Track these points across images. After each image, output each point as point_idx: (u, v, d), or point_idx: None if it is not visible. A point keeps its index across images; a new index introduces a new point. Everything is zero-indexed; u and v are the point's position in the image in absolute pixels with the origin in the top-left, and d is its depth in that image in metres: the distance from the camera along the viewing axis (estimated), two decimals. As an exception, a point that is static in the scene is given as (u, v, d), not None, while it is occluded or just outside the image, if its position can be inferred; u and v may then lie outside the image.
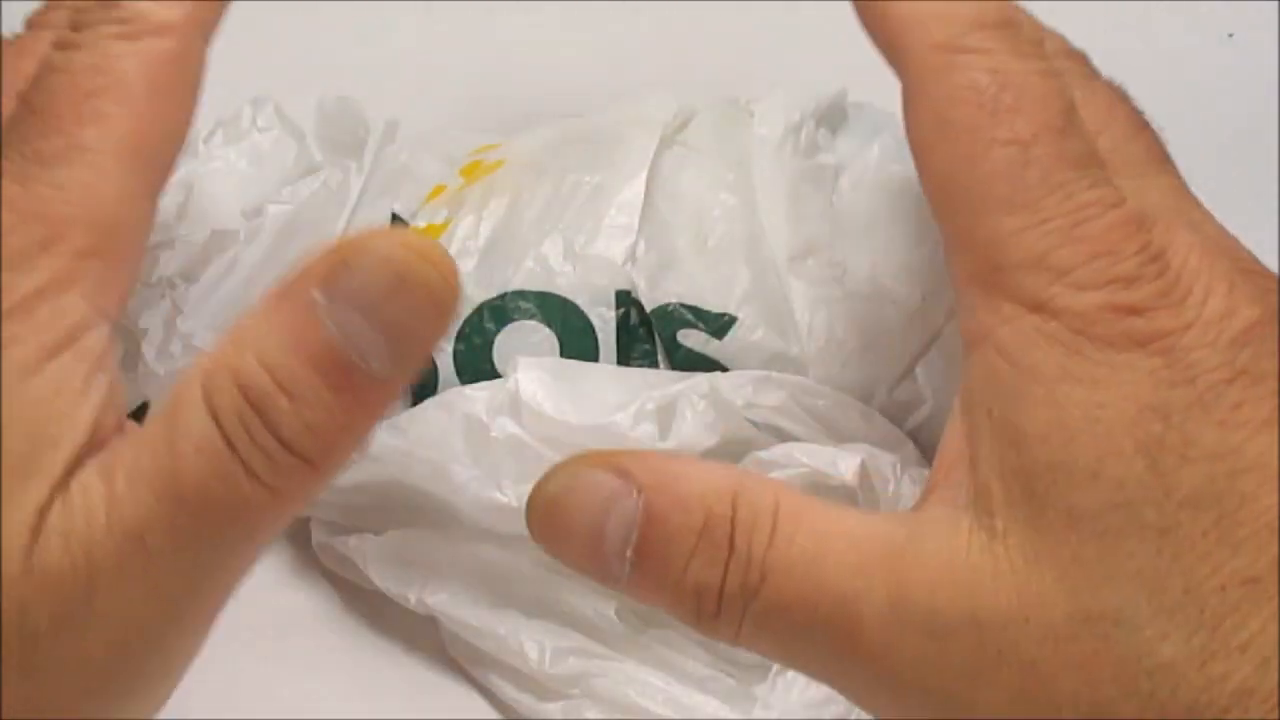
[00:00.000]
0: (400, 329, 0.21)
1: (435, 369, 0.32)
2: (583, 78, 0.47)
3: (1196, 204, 0.26)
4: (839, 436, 0.29)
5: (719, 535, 0.23)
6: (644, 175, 0.33)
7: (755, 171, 0.33)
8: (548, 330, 0.31)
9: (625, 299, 0.32)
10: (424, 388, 0.32)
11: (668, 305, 0.31)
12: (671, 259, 0.32)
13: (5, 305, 0.22)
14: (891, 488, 0.28)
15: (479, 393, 0.29)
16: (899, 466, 0.29)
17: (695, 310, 0.31)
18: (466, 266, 0.32)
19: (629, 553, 0.24)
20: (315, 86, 0.38)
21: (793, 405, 0.29)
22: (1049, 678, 0.21)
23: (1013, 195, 0.23)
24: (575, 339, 0.31)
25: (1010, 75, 0.23)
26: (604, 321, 0.31)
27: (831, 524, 0.23)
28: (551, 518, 0.25)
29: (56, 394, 0.21)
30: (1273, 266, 0.39)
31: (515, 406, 0.29)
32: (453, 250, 0.32)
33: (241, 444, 0.21)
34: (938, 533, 0.22)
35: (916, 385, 0.32)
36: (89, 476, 0.21)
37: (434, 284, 0.21)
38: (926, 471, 0.27)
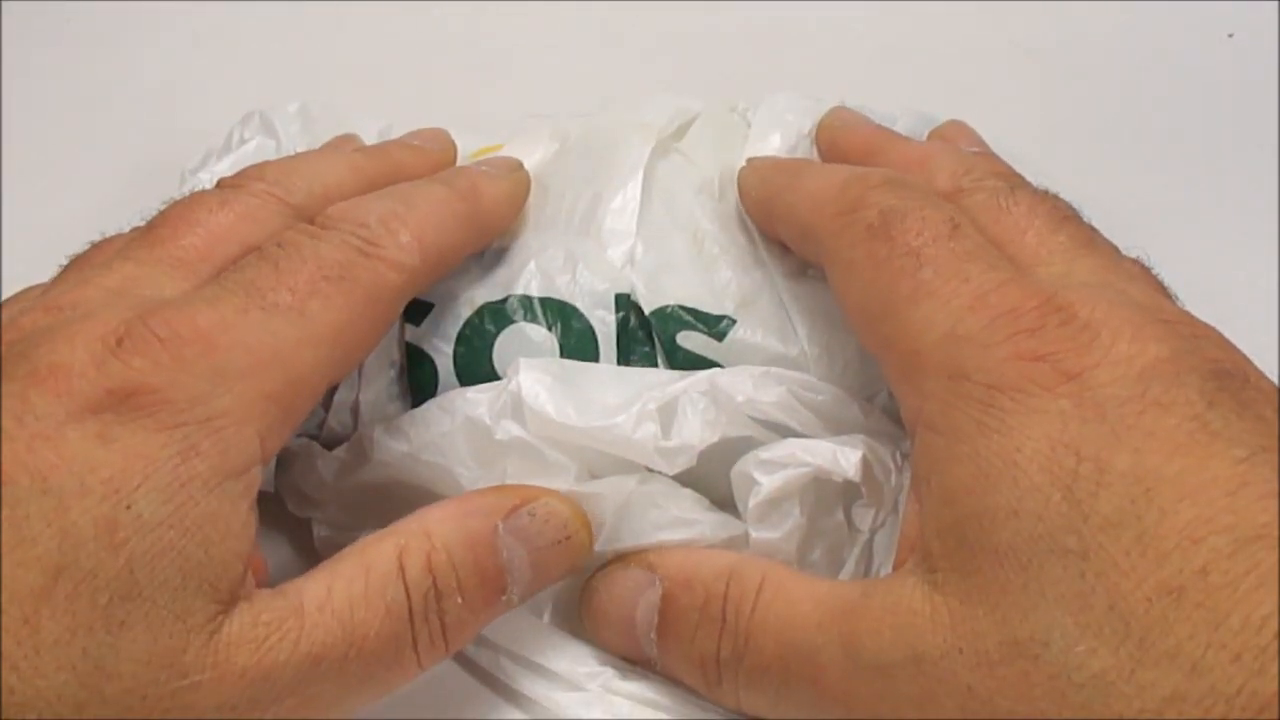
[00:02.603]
0: (545, 571, 0.27)
1: (435, 370, 0.32)
2: (582, 78, 0.47)
3: (1127, 276, 0.27)
4: (839, 432, 0.29)
5: (714, 610, 0.26)
6: (639, 179, 0.33)
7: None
8: (548, 333, 0.31)
9: (624, 302, 0.31)
10: (423, 389, 0.32)
11: (666, 307, 0.31)
12: (670, 262, 0.32)
13: (201, 415, 0.23)
14: (894, 479, 0.29)
15: (481, 395, 0.29)
16: (900, 456, 0.29)
17: (694, 312, 0.31)
18: (468, 268, 0.32)
19: (652, 634, 0.27)
20: (313, 88, 0.38)
21: (792, 401, 0.29)
22: (986, 699, 0.22)
23: (915, 290, 0.25)
24: (575, 342, 0.31)
25: (895, 210, 0.26)
26: (604, 324, 0.31)
27: (803, 590, 0.26)
28: (593, 609, 0.29)
29: (226, 518, 0.23)
30: (1273, 264, 0.40)
31: (517, 408, 0.29)
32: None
33: (419, 619, 0.25)
34: (886, 589, 0.24)
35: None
36: (273, 599, 0.24)
37: (585, 549, 0.28)
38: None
